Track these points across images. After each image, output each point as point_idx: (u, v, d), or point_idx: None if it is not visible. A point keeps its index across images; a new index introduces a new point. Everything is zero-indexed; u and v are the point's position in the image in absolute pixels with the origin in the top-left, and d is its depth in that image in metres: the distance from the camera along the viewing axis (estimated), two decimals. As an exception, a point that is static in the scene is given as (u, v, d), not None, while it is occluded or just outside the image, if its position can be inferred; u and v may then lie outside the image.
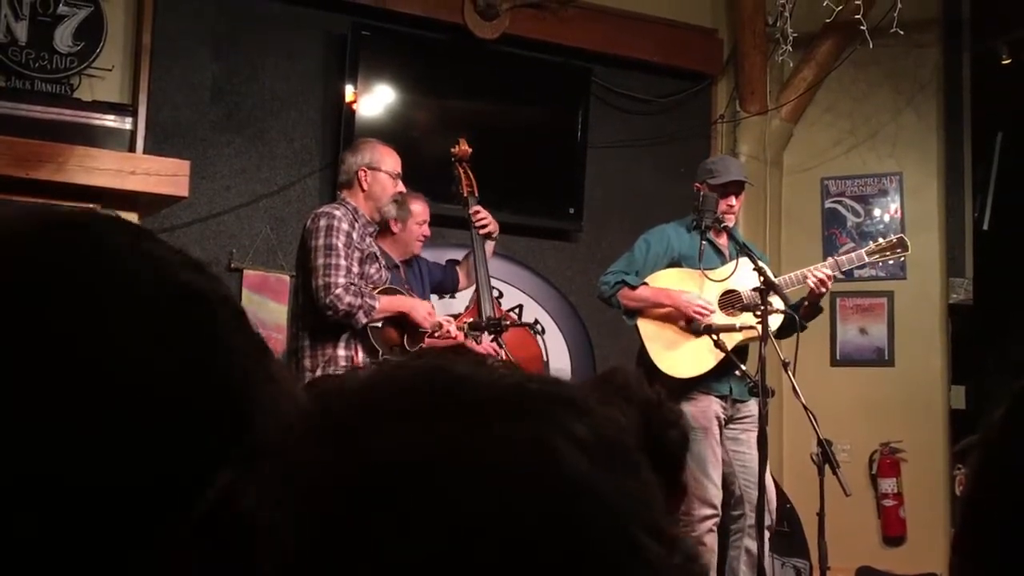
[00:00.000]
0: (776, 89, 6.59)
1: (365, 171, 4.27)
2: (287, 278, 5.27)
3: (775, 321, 4.28)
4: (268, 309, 5.32)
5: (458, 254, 5.22)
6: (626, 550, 0.52)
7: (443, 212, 5.16)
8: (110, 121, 4.81)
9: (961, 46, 6.60)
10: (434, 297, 4.99)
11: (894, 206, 6.55)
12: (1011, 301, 6.38)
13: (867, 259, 4.66)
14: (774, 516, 4.45)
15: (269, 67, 5.48)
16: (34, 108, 4.60)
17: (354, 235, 4.15)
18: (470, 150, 4.85)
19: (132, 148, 4.85)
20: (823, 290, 4.48)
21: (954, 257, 6.47)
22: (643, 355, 4.55)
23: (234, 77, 5.41)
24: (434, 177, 5.08)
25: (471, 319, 4.61)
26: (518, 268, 5.91)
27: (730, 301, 4.58)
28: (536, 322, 4.87)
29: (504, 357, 4.56)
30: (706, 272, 4.53)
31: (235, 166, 5.38)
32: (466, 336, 4.49)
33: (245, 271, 5.29)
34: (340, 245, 4.07)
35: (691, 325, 4.48)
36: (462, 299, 5.34)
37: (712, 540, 4.43)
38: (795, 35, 5.98)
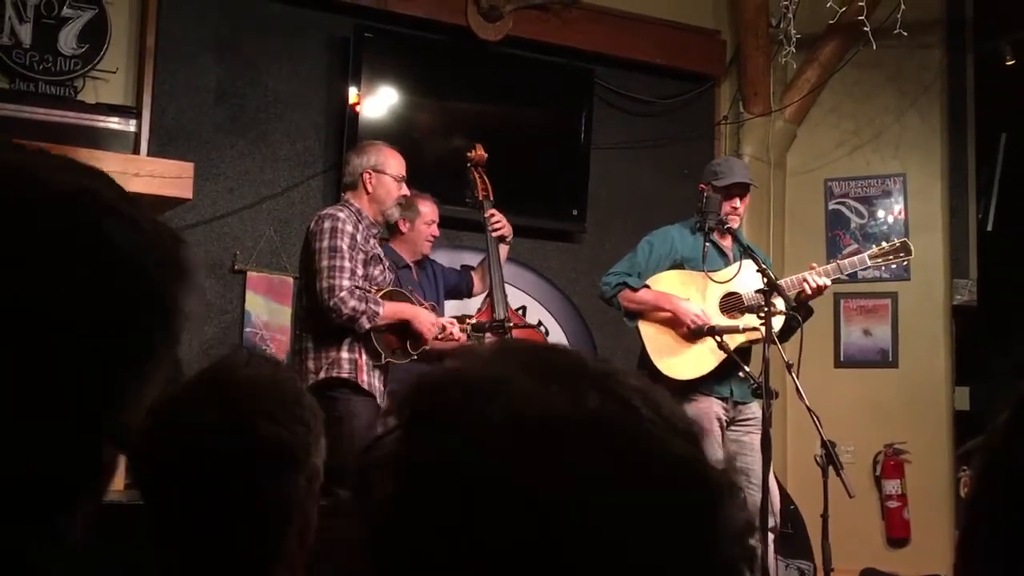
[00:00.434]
0: (779, 90, 6.59)
1: (370, 173, 4.26)
2: (291, 280, 5.28)
3: (777, 323, 4.27)
4: (272, 311, 5.32)
5: (470, 257, 5.24)
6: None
7: (454, 215, 5.18)
8: (114, 123, 4.81)
9: (965, 47, 6.60)
10: (447, 302, 5.01)
11: (898, 207, 6.55)
12: (1015, 302, 6.37)
13: (870, 263, 4.65)
14: (778, 518, 4.44)
15: (272, 69, 5.48)
16: (38, 110, 4.61)
17: (358, 237, 4.14)
18: (486, 155, 4.87)
19: (136, 150, 4.86)
20: (816, 295, 4.48)
21: (958, 258, 6.47)
22: (644, 357, 4.55)
23: (238, 79, 5.41)
24: (437, 178, 5.09)
25: (475, 320, 4.60)
26: (521, 269, 5.91)
27: (731, 303, 4.57)
28: (540, 323, 4.87)
29: None
30: (709, 274, 4.53)
31: (239, 168, 5.39)
32: (469, 337, 4.49)
33: (248, 273, 5.30)
34: (344, 247, 4.06)
35: (692, 329, 4.47)
36: (476, 299, 5.35)
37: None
38: (798, 36, 5.97)
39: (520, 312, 5.73)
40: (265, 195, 5.43)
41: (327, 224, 4.09)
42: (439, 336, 4.30)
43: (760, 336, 4.19)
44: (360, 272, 4.10)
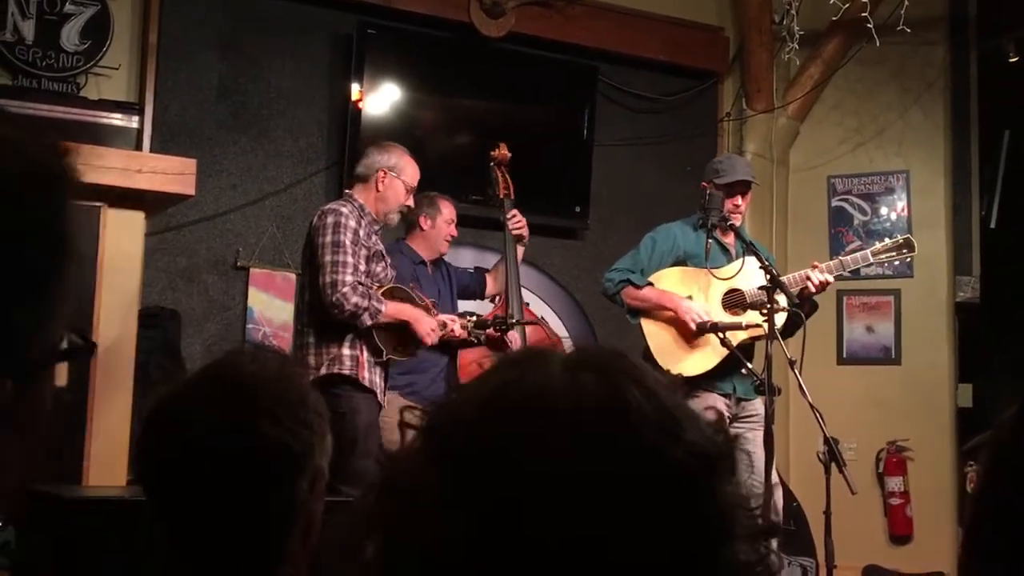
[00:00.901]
0: (782, 87, 6.58)
1: (385, 173, 4.25)
2: (293, 276, 5.27)
3: (780, 319, 4.27)
4: (274, 307, 5.32)
5: (466, 254, 5.24)
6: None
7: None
8: (117, 120, 4.82)
9: (968, 44, 6.59)
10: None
11: (901, 204, 6.54)
12: (1018, 299, 6.36)
13: (872, 260, 4.65)
14: (780, 515, 4.44)
15: (275, 66, 5.48)
16: (41, 107, 4.61)
17: (361, 232, 4.14)
18: (509, 155, 4.88)
19: (139, 147, 4.86)
20: (820, 291, 4.48)
21: (961, 255, 6.46)
22: (647, 353, 4.54)
23: (240, 76, 5.41)
24: (439, 175, 5.08)
25: (476, 317, 4.61)
26: (524, 266, 5.90)
27: (734, 300, 4.57)
28: (541, 318, 4.89)
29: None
30: (712, 271, 4.53)
31: (241, 164, 5.39)
32: (470, 334, 4.50)
33: (251, 269, 5.30)
34: (347, 242, 4.06)
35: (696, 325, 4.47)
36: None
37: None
38: (801, 33, 5.97)
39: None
40: (268, 191, 5.43)
41: (330, 219, 4.09)
42: (441, 334, 4.31)
43: (763, 332, 4.19)
44: (363, 268, 4.09)
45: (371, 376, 4.10)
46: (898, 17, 5.58)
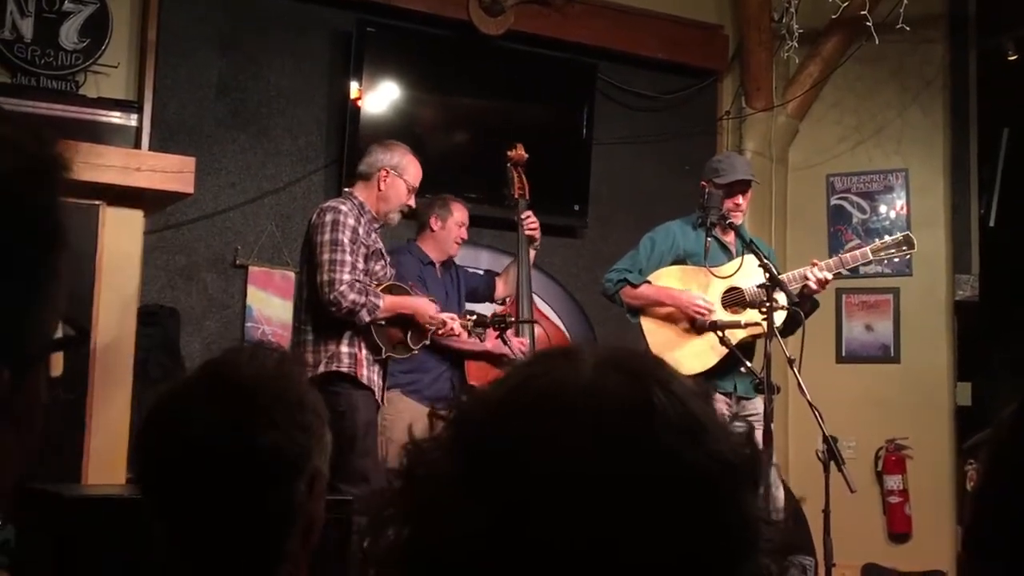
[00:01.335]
0: (782, 85, 6.58)
1: (388, 172, 4.24)
2: (292, 274, 5.27)
3: (779, 318, 4.27)
4: (273, 305, 5.32)
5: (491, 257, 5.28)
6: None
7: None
8: (115, 118, 4.81)
9: (967, 42, 6.59)
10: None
11: (900, 203, 6.54)
12: (1017, 297, 6.36)
13: (872, 257, 4.65)
14: (780, 514, 4.43)
15: (274, 64, 5.48)
16: (40, 105, 4.61)
17: (360, 230, 4.12)
18: (526, 155, 4.90)
19: (138, 144, 4.85)
20: (820, 289, 4.48)
21: (960, 254, 6.46)
22: (647, 353, 4.54)
23: (239, 74, 5.41)
24: (439, 173, 5.08)
25: (476, 316, 4.62)
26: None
27: (733, 299, 4.57)
28: (533, 321, 4.89)
29: (515, 352, 4.57)
30: (711, 269, 4.53)
31: (240, 163, 5.38)
32: (471, 333, 4.49)
33: (250, 267, 5.30)
34: (346, 240, 4.05)
35: (694, 323, 4.47)
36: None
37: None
38: (800, 31, 5.97)
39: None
40: (267, 190, 5.43)
41: (328, 217, 4.08)
42: (440, 331, 4.31)
43: (762, 331, 4.19)
44: (361, 266, 4.08)
45: (369, 374, 4.09)
46: (897, 15, 5.57)
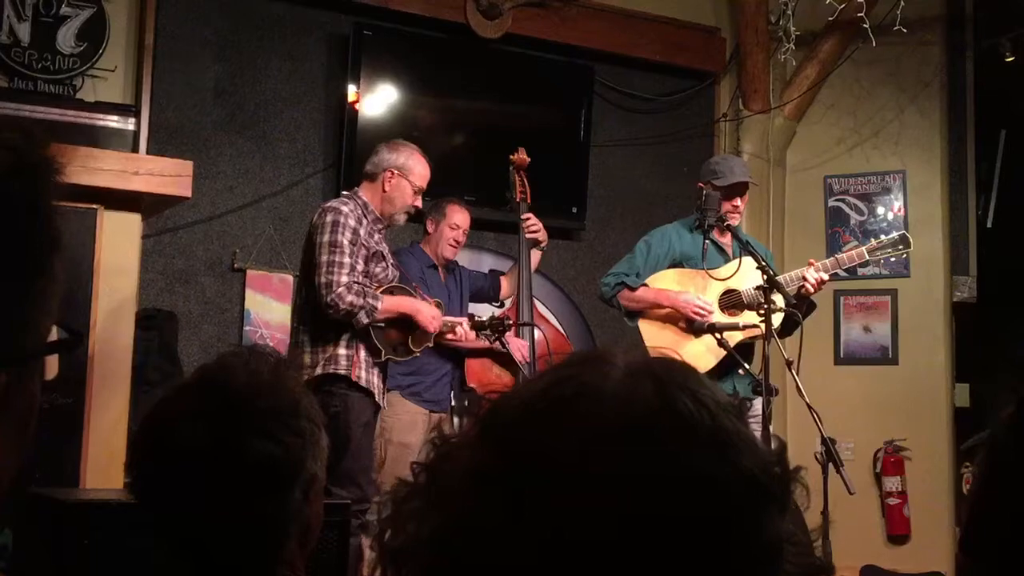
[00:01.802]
0: (779, 87, 6.58)
1: (392, 172, 4.20)
2: (290, 278, 5.27)
3: (777, 319, 4.27)
4: (271, 309, 5.32)
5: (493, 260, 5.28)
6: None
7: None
8: (113, 122, 4.81)
9: (964, 44, 6.59)
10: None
11: (897, 204, 6.54)
12: (1015, 299, 6.36)
13: (869, 257, 4.65)
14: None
15: (272, 67, 5.48)
16: (37, 109, 4.61)
17: (361, 232, 4.08)
18: (528, 159, 4.92)
19: (135, 149, 4.85)
20: (817, 290, 4.49)
21: (958, 255, 6.47)
22: (645, 355, 4.54)
23: (236, 77, 5.41)
24: (436, 176, 5.06)
25: (476, 319, 4.62)
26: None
27: (731, 301, 4.57)
28: (532, 324, 4.90)
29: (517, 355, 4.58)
30: (709, 272, 4.53)
31: (238, 166, 5.38)
32: (477, 336, 4.48)
33: (248, 271, 5.30)
34: (345, 242, 4.01)
35: (692, 325, 4.47)
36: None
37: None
38: (798, 33, 5.97)
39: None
40: (264, 193, 5.43)
41: (329, 218, 4.04)
42: (448, 336, 4.29)
43: (760, 333, 4.19)
44: (360, 268, 4.05)
45: (367, 376, 4.06)
46: (894, 17, 5.58)
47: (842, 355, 6.54)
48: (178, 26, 5.26)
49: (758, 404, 4.32)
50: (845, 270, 4.70)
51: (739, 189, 4.62)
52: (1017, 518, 0.84)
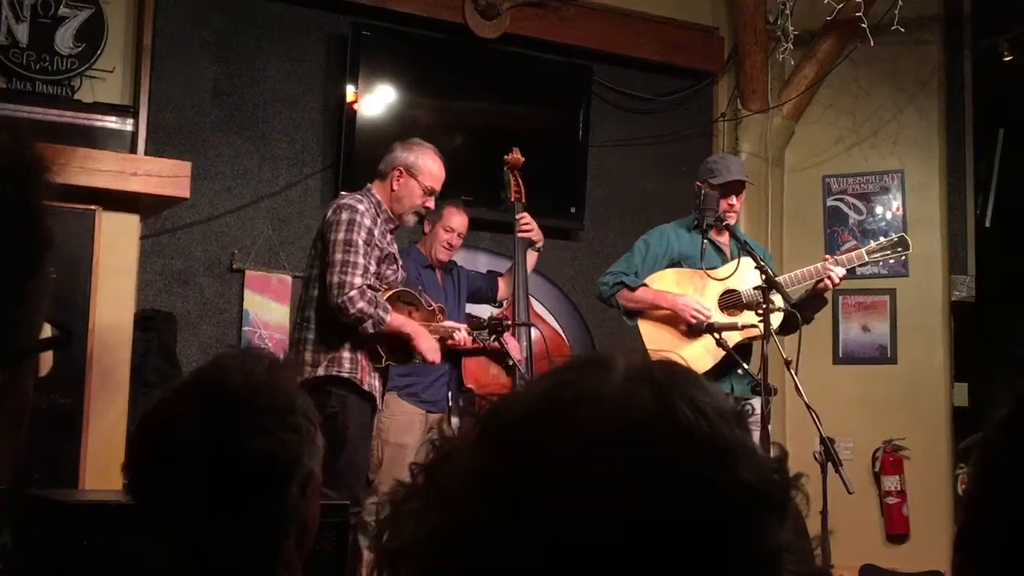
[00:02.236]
0: (777, 87, 6.58)
1: (401, 171, 4.12)
2: (289, 278, 5.28)
3: (776, 319, 4.27)
4: (270, 310, 5.32)
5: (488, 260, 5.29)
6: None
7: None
8: (111, 122, 4.81)
9: (962, 43, 6.59)
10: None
11: (896, 204, 6.55)
12: (1013, 298, 6.36)
13: (868, 258, 4.66)
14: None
15: (270, 68, 5.48)
16: (35, 110, 4.61)
17: (375, 232, 4.01)
18: (522, 159, 4.90)
19: (133, 149, 4.86)
20: (836, 285, 4.51)
21: (956, 254, 6.47)
22: (644, 355, 4.54)
23: (235, 78, 5.41)
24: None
25: (472, 320, 4.62)
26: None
27: (730, 301, 4.58)
28: (530, 324, 4.90)
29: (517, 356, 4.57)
30: (707, 271, 4.53)
31: (236, 167, 5.38)
32: (475, 339, 4.46)
33: (247, 272, 5.30)
34: (360, 242, 3.93)
35: (691, 326, 4.48)
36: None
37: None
38: (796, 33, 5.97)
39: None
40: (263, 194, 5.43)
41: (345, 215, 3.95)
42: (448, 342, 4.25)
43: (759, 333, 4.19)
44: (373, 269, 3.97)
45: (370, 380, 4.01)
46: (892, 17, 5.58)
47: (841, 355, 6.54)
48: (176, 27, 5.26)
49: (757, 404, 4.33)
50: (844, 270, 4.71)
51: (735, 187, 4.62)
52: (1011, 520, 0.85)
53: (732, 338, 4.39)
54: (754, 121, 6.51)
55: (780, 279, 4.34)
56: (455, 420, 4.77)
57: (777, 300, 4.21)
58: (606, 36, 6.21)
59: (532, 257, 4.97)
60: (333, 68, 5.61)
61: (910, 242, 4.69)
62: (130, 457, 1.47)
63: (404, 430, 4.62)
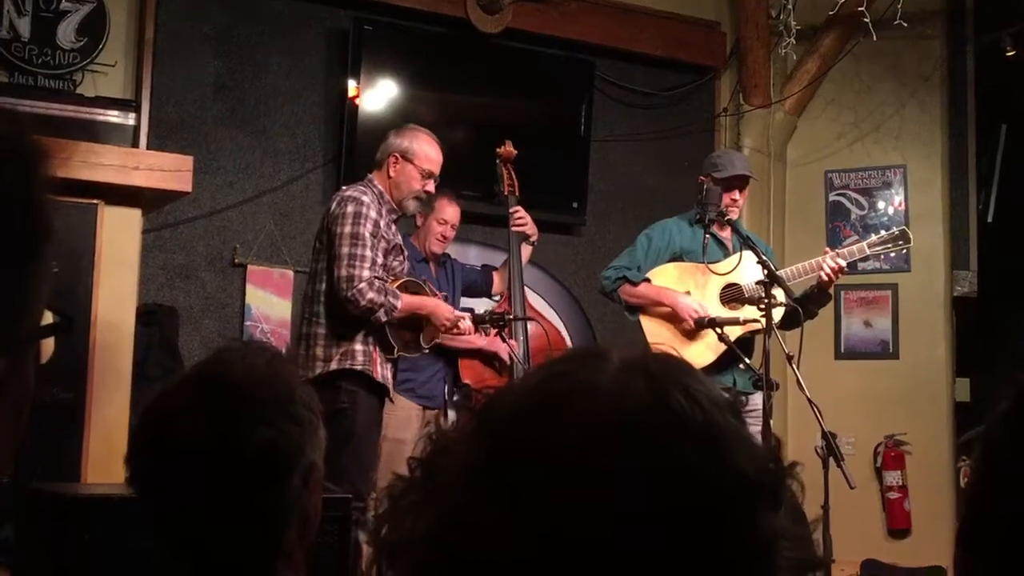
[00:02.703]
0: (779, 82, 6.57)
1: (396, 157, 4.09)
2: (291, 273, 5.28)
3: (778, 313, 4.27)
4: (272, 304, 5.32)
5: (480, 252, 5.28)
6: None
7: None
8: (113, 117, 4.80)
9: (965, 38, 6.58)
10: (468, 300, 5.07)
11: (898, 199, 6.54)
12: (1015, 293, 6.36)
13: (869, 252, 4.65)
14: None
15: (272, 62, 5.48)
16: (37, 104, 4.59)
17: (381, 223, 3.99)
18: (515, 152, 4.89)
19: (135, 144, 4.84)
20: (835, 279, 4.50)
21: (958, 249, 6.47)
22: (646, 349, 4.54)
23: (237, 72, 5.41)
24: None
25: (475, 313, 4.62)
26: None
27: (732, 295, 4.58)
28: (528, 318, 4.89)
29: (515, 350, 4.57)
30: (709, 266, 4.53)
31: (238, 161, 5.38)
32: (477, 330, 4.47)
33: (249, 266, 5.30)
34: (367, 235, 3.91)
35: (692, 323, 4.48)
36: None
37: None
38: (798, 28, 5.97)
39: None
40: (265, 188, 5.43)
41: (350, 208, 3.93)
42: (453, 331, 4.23)
43: (761, 327, 4.19)
44: (380, 261, 3.95)
45: (383, 371, 3.98)
46: (895, 11, 5.57)
47: (843, 349, 6.54)
48: (178, 21, 5.25)
49: (758, 399, 4.33)
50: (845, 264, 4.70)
51: (738, 182, 4.62)
52: (1013, 513, 0.85)
53: (733, 332, 4.39)
54: (756, 116, 6.50)
55: (781, 272, 4.34)
56: (452, 415, 4.78)
57: (779, 295, 4.21)
58: (608, 31, 6.20)
59: (526, 251, 4.95)
60: (334, 63, 5.60)
61: (911, 236, 4.69)
62: (132, 450, 1.47)
63: (402, 425, 4.61)
